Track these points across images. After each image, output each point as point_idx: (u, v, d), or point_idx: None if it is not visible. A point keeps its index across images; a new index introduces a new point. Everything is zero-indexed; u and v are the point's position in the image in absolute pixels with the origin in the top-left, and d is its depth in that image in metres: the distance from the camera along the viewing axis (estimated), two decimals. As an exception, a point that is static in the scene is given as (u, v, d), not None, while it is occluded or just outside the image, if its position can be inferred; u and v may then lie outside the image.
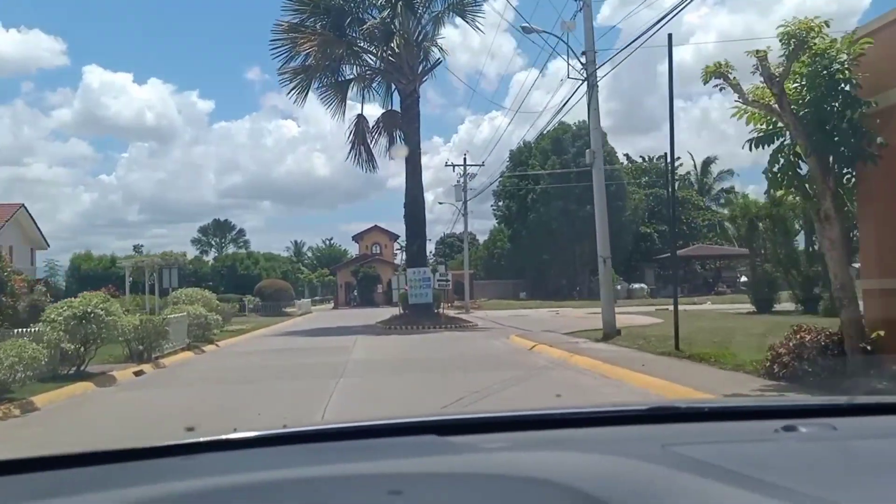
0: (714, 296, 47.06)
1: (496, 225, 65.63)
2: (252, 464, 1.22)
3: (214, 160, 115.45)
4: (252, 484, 1.07)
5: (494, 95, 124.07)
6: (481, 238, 72.02)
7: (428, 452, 1.27)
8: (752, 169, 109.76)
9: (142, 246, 59.65)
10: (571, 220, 47.17)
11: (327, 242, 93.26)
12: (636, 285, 47.99)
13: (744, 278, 55.84)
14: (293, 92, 26.62)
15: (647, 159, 58.48)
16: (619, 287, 46.93)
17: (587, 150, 17.25)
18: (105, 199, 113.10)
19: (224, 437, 1.34)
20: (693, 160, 63.22)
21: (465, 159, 41.56)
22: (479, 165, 41.92)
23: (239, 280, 49.19)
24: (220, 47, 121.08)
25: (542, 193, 48.99)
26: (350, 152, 27.00)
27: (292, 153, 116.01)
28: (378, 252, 61.89)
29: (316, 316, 44.40)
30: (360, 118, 27.23)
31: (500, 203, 60.46)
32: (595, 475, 0.99)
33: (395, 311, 32.00)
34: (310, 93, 26.26)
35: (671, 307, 14.27)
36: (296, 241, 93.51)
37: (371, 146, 27.06)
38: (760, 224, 24.40)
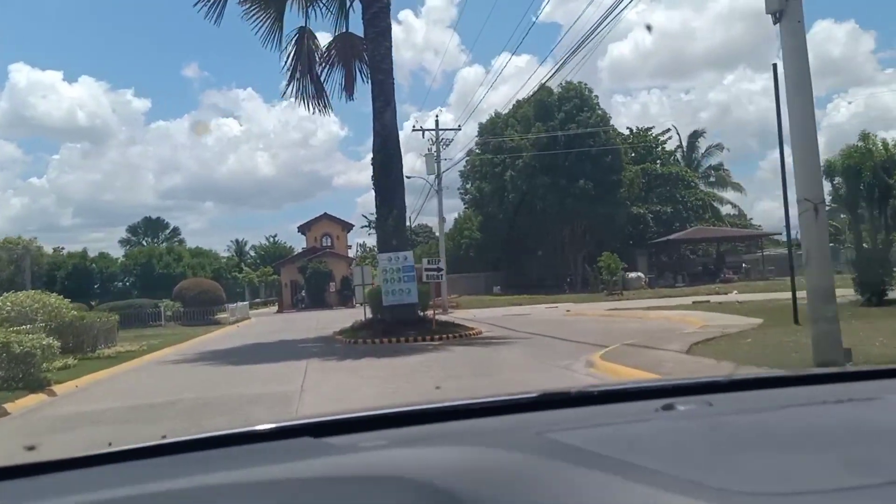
0: (722, 284, 40.34)
1: (464, 211, 57.81)
2: (121, 478, 1.15)
3: (153, 161, 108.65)
4: (116, 499, 1.03)
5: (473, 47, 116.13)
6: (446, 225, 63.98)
7: (302, 456, 1.23)
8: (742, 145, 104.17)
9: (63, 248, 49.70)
10: (560, 198, 39.70)
11: (271, 239, 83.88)
12: (632, 274, 40.77)
13: (754, 263, 49.83)
14: (205, 8, 18.34)
15: (633, 131, 51.40)
16: (615, 277, 39.77)
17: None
18: (36, 202, 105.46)
19: (96, 452, 1.28)
20: (678, 134, 56.59)
21: (436, 121, 33.63)
22: (455, 130, 34.07)
23: (157, 281, 40.04)
24: (155, 43, 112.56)
25: (524, 168, 41.33)
26: (289, 84, 18.81)
27: (234, 152, 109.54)
28: (329, 245, 53.28)
29: (254, 323, 35.75)
30: (304, 32, 19.00)
31: (469, 185, 52.65)
32: (459, 468, 0.97)
33: (356, 313, 23.94)
34: (242, 19, 17.95)
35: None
36: (237, 240, 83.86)
37: (321, 82, 18.88)
38: (892, 178, 16.99)
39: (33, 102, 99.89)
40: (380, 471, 1.05)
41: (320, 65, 19.33)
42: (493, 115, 47.56)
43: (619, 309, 25.48)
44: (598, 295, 36.89)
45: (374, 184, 18.33)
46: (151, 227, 79.88)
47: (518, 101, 46.89)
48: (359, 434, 1.34)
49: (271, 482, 1.07)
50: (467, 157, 53.00)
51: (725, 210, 56.18)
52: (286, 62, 18.59)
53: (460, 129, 33.25)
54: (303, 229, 54.78)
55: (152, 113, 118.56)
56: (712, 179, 56.27)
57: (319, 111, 19.44)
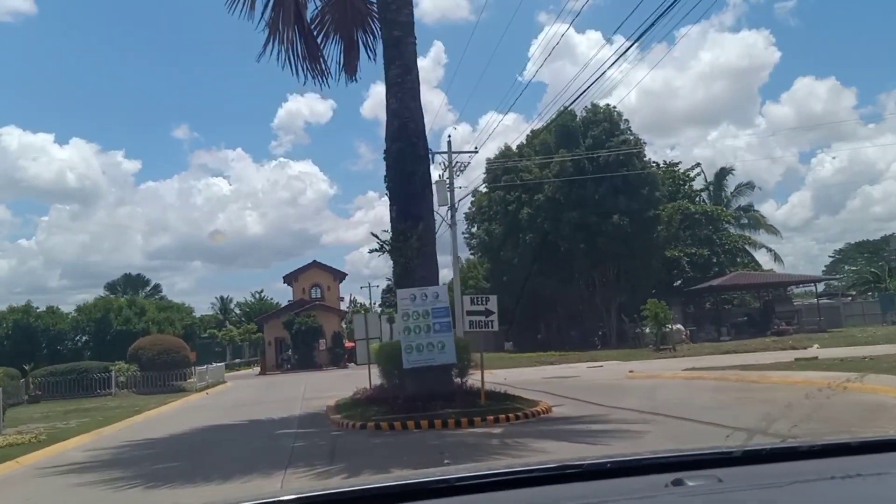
0: (776, 336, 34.40)
1: (469, 257, 51.98)
2: None
3: (142, 221, 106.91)
4: None
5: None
6: (446, 274, 57.79)
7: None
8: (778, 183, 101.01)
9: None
10: (590, 237, 33.96)
11: (257, 295, 77.46)
12: (672, 327, 34.73)
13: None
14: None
15: (660, 165, 46.12)
16: (639, 330, 33.77)
17: None
18: (24, 264, 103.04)
19: None
20: (703, 172, 51.38)
21: (448, 143, 28.07)
22: (472, 153, 28.49)
23: (117, 339, 33.61)
24: (145, 105, 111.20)
25: (546, 204, 35.72)
26: (268, 42, 13.04)
27: (223, 211, 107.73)
28: (319, 297, 47.04)
29: (230, 388, 29.29)
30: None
31: (476, 228, 46.97)
32: None
33: (353, 376, 17.77)
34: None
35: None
36: (222, 297, 77.43)
37: (313, 34, 13.19)
38: None
39: (24, 165, 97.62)
40: None
41: (310, 26, 13.73)
42: (504, 147, 42.23)
43: (696, 368, 19.43)
44: (641, 351, 30.84)
45: (387, 187, 12.50)
46: (131, 283, 73.66)
47: (533, 131, 41.86)
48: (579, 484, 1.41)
49: None
50: (472, 199, 47.90)
51: (760, 255, 50.64)
52: (262, 13, 12.94)
53: (477, 152, 27.81)
54: (289, 279, 48.53)
55: (142, 174, 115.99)
56: (744, 221, 50.80)
57: (314, 77, 13.71)
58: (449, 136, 27.85)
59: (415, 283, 12.02)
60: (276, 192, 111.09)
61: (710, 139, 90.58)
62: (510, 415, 11.15)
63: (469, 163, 29.16)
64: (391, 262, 12.79)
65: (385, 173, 12.42)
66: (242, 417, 14.90)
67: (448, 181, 27.25)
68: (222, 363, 37.69)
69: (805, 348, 27.53)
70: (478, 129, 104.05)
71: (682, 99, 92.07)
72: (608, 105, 36.26)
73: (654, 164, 35.98)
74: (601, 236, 33.47)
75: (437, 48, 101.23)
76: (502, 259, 41.77)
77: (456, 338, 12.87)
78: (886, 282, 56.76)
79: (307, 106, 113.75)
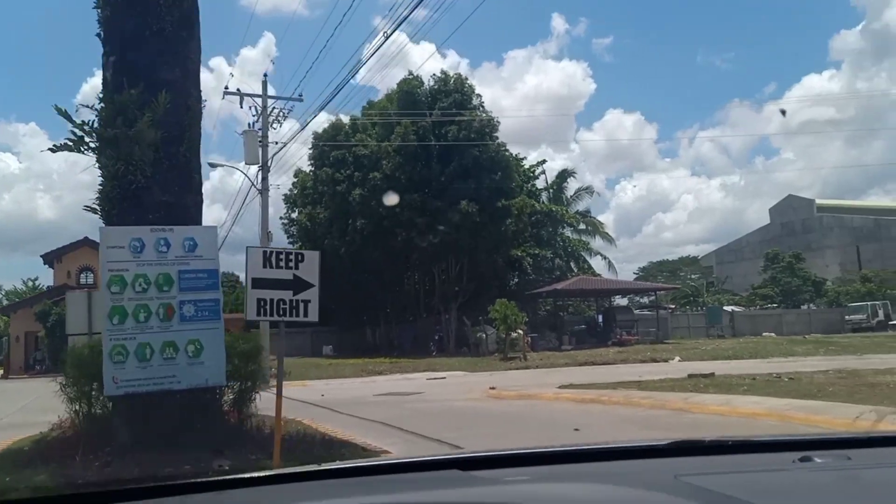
0: (618, 346, 31.67)
1: (288, 247, 45.00)
2: (289, 498, 1.25)
3: None
4: None
5: None
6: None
7: (452, 485, 1.29)
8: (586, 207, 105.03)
9: None
10: (432, 224, 28.90)
11: (30, 282, 63.90)
12: (514, 333, 30.50)
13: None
14: None
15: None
16: (483, 335, 29.40)
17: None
18: None
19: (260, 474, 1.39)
20: (545, 172, 48.62)
21: (264, 84, 21.47)
22: (296, 100, 22.13)
23: None
24: None
25: (383, 184, 30.14)
26: None
27: (8, 191, 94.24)
28: (91, 283, 37.62)
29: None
30: None
31: (297, 213, 40.30)
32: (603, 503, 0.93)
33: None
34: None
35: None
36: (-14, 286, 63.14)
37: None
38: None
39: None
40: (530, 501, 1.03)
41: None
42: (335, 119, 36.11)
43: (574, 386, 14.77)
44: (485, 359, 26.23)
45: (98, 21, 6.16)
46: None
47: (371, 102, 36.20)
48: (502, 469, 1.38)
49: None
50: (295, 180, 41.22)
51: (594, 262, 48.80)
52: None
53: (301, 100, 21.52)
54: (50, 260, 38.36)
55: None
56: (581, 227, 48.69)
57: None
58: (265, 76, 21.14)
59: (146, 214, 5.89)
60: (76, 174, 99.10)
61: (527, 160, 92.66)
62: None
63: (291, 109, 22.81)
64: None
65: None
66: None
67: (260, 132, 20.70)
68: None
69: (666, 361, 24.49)
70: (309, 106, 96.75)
71: (507, 119, 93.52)
72: (460, 74, 31.54)
73: (507, 150, 31.69)
74: (445, 225, 28.50)
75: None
76: (327, 248, 35.40)
77: (234, 335, 6.84)
78: (704, 296, 58.39)
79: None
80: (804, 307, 49.24)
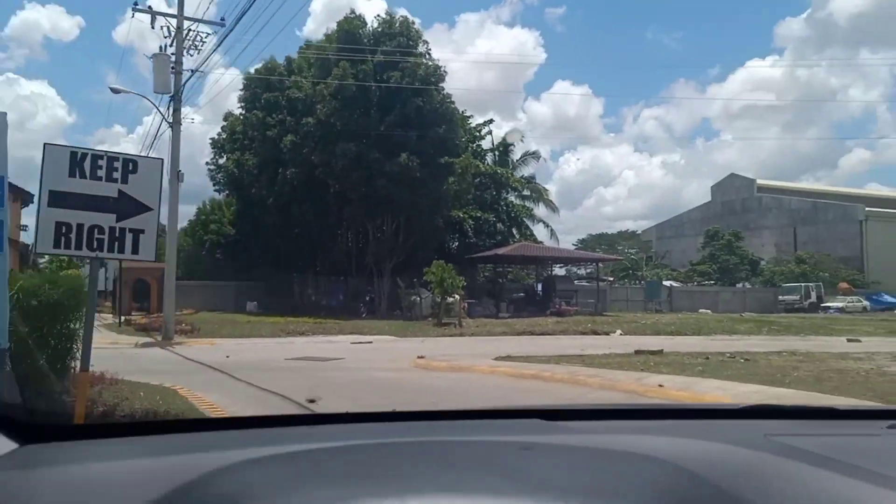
0: (557, 316, 30.58)
1: (214, 198, 42.37)
2: (370, 434, 1.26)
3: None
4: (363, 446, 1.15)
5: None
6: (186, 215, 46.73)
7: (539, 431, 1.31)
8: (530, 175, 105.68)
9: None
10: (369, 177, 26.84)
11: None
12: (456, 297, 28.86)
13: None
14: None
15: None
16: (416, 298, 27.75)
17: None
18: None
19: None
20: (492, 133, 46.72)
21: (180, 3, 18.76)
22: (217, 24, 19.52)
23: None
24: None
25: (318, 131, 27.81)
26: None
27: None
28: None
29: None
30: None
31: (225, 159, 37.45)
32: (697, 456, 1.00)
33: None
34: None
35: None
36: None
37: None
38: None
39: None
40: (625, 448, 1.04)
41: None
42: (269, 59, 33.29)
43: (513, 358, 13.21)
44: (418, 324, 24.59)
45: None
46: None
47: (308, 42, 33.52)
48: (584, 422, 1.39)
49: (503, 444, 1.15)
50: (224, 123, 38.25)
51: (537, 230, 47.55)
52: None
53: (223, 24, 18.92)
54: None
55: None
56: (526, 193, 47.23)
57: None
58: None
59: None
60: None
61: (474, 119, 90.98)
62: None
63: (208, 35, 20.18)
64: None
65: None
66: None
67: (173, 56, 18.08)
68: None
69: (607, 333, 23.34)
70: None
71: (455, 83, 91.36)
72: (406, 17, 29.19)
73: (454, 103, 29.65)
74: (383, 178, 26.44)
75: None
76: (254, 198, 33.03)
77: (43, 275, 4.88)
78: (643, 270, 58.23)
79: (48, 18, 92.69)
80: (739, 285, 49.51)
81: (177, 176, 18.37)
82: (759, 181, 63.27)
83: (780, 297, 44.65)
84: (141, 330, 22.35)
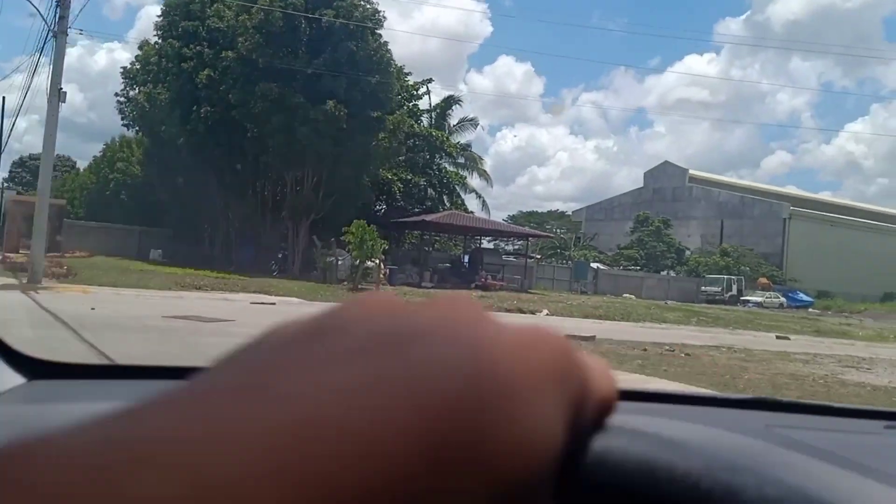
0: (481, 290, 29.31)
1: (124, 135, 38.77)
2: None
3: None
4: None
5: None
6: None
7: None
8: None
9: None
10: (289, 123, 24.43)
11: None
12: (376, 261, 26.77)
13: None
14: None
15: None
16: (333, 259, 25.77)
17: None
18: None
19: None
20: (430, 93, 44.55)
21: None
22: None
23: None
24: None
25: (237, 67, 25.12)
26: None
27: None
28: None
29: None
30: None
31: (137, 91, 33.96)
32: (693, 437, 0.83)
33: None
34: None
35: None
36: None
37: None
38: None
39: None
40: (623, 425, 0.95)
41: None
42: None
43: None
44: (331, 287, 22.63)
45: None
46: None
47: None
48: None
49: None
50: (139, 52, 34.69)
51: (469, 200, 45.94)
52: None
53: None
54: None
55: None
56: (461, 160, 45.46)
57: None
58: None
59: None
60: None
61: (412, 83, 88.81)
62: None
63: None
64: None
65: None
66: None
67: (59, -51, 15.26)
68: None
69: (533, 313, 22.06)
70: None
71: (399, 47, 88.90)
72: (348, -48, 26.59)
73: (390, 52, 27.38)
74: (306, 126, 24.09)
75: None
76: (164, 137, 30.00)
77: None
78: (571, 250, 57.83)
79: None
80: (664, 273, 49.64)
81: (57, 94, 15.63)
82: (691, 171, 63.70)
83: (703, 288, 44.85)
84: (12, 269, 19.55)
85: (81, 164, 58.23)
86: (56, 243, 26.80)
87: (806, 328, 22.93)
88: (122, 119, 36.17)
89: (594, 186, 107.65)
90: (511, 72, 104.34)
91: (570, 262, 50.33)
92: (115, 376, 1.29)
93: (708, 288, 44.78)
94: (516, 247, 55.91)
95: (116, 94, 35.62)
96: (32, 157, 63.17)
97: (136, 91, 34.10)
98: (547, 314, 21.41)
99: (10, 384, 1.10)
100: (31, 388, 1.12)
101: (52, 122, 15.91)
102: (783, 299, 44.41)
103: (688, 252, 53.54)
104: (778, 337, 18.52)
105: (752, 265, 49.95)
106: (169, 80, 29.71)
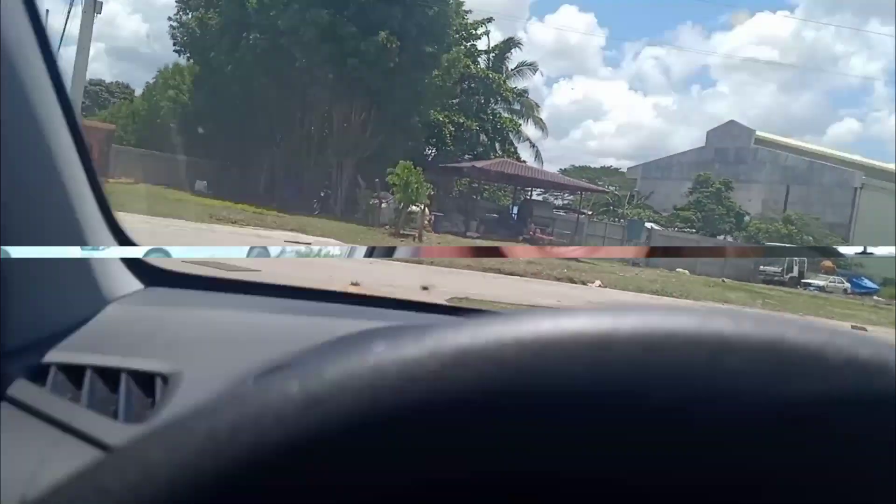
0: (527, 243, 28.04)
1: (177, 60, 37.94)
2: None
3: None
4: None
5: None
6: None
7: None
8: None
9: None
10: (341, 54, 23.25)
11: None
12: (422, 206, 25.55)
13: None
14: None
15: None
16: (377, 202, 24.76)
17: None
18: None
19: None
20: (489, 35, 42.44)
21: None
22: None
23: None
24: None
25: (288, -9, 23.86)
26: None
27: None
28: None
29: None
30: None
31: (188, 16, 33.08)
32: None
33: None
34: None
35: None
36: None
37: None
38: None
39: None
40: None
41: None
42: None
43: (470, 301, 10.48)
44: (372, 230, 21.69)
45: None
46: None
47: None
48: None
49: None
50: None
51: (522, 150, 44.21)
52: None
53: None
54: None
55: None
56: (516, 106, 43.56)
57: None
58: None
59: None
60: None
61: (471, 22, 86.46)
62: None
63: None
64: None
65: None
66: None
67: None
68: None
69: (584, 283, 20.69)
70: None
71: None
72: None
73: (448, -16, 25.71)
74: (356, 58, 22.84)
75: None
76: (213, 64, 29.21)
77: None
78: (624, 208, 55.77)
79: None
80: (721, 237, 47.42)
81: (93, 4, 14.73)
82: (758, 132, 60.33)
83: (762, 267, 42.46)
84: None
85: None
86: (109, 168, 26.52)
87: (882, 319, 21.10)
88: (174, 44, 35.52)
89: (650, 144, 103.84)
90: (572, 21, 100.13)
91: (622, 220, 48.47)
92: (227, 289, 1.29)
93: (767, 267, 42.39)
94: (566, 201, 54.24)
95: (169, 19, 34.82)
96: (92, 83, 63.53)
97: (189, 16, 33.32)
98: (599, 285, 20.06)
99: (130, 289, 1.12)
100: (149, 293, 1.14)
101: (86, 35, 15.07)
102: (847, 284, 41.73)
103: (747, 217, 50.98)
104: (853, 327, 16.94)
105: (816, 235, 47.31)
106: (221, 4, 28.75)
